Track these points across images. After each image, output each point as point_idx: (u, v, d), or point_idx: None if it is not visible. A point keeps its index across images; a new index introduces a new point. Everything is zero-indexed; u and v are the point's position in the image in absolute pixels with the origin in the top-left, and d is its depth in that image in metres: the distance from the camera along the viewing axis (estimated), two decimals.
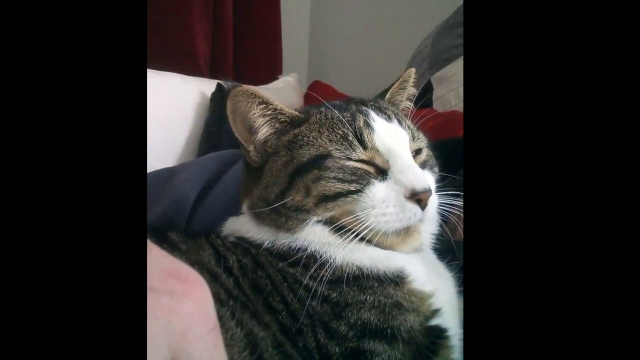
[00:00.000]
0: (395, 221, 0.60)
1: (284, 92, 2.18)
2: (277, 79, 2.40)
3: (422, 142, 0.71)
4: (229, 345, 0.49)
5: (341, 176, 0.61)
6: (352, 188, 0.61)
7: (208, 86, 1.93)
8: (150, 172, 0.99)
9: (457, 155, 0.58)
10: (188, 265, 0.40)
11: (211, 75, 2.18)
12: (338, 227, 0.62)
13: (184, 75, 1.94)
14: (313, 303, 0.57)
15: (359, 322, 0.56)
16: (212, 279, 0.57)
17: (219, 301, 0.53)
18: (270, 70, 2.48)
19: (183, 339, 0.36)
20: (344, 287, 0.58)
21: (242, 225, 0.68)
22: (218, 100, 1.84)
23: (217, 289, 0.55)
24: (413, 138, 0.68)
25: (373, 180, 0.61)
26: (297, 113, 0.68)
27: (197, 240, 0.66)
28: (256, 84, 1.94)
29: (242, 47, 2.38)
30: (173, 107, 1.84)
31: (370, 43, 2.64)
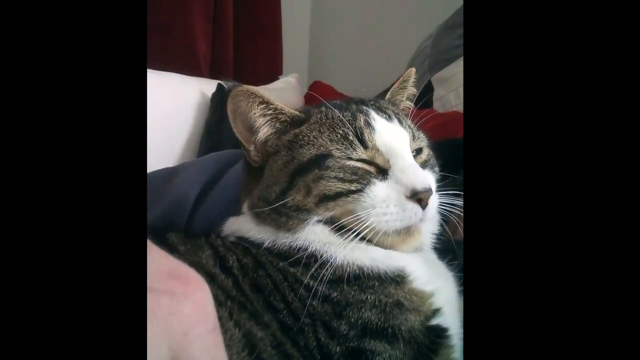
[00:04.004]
0: (396, 221, 0.60)
1: (284, 92, 2.18)
2: (278, 79, 2.40)
3: (423, 141, 0.71)
4: (228, 346, 0.49)
5: (342, 176, 0.61)
6: (352, 188, 0.61)
7: (208, 86, 1.93)
8: (150, 172, 0.99)
9: (457, 155, 0.58)
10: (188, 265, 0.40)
11: (211, 75, 2.18)
12: (339, 227, 0.62)
13: (184, 75, 1.93)
14: (314, 302, 0.57)
15: (359, 322, 0.56)
16: (210, 280, 0.57)
17: (217, 302, 0.53)
18: (271, 71, 2.48)
19: (183, 339, 0.36)
20: (345, 286, 0.58)
21: (242, 225, 0.68)
22: (218, 100, 1.84)
23: (215, 290, 0.55)
24: (413, 137, 0.68)
25: (374, 179, 0.61)
26: (297, 113, 0.68)
27: (196, 241, 0.66)
28: (256, 84, 1.93)
29: (242, 47, 2.38)
30: (173, 107, 1.84)
31: (370, 43, 2.64)
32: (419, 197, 0.60)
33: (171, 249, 0.63)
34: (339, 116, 0.66)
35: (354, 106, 0.69)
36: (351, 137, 0.63)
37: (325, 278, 0.57)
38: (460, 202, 0.63)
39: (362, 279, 0.59)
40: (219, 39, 2.26)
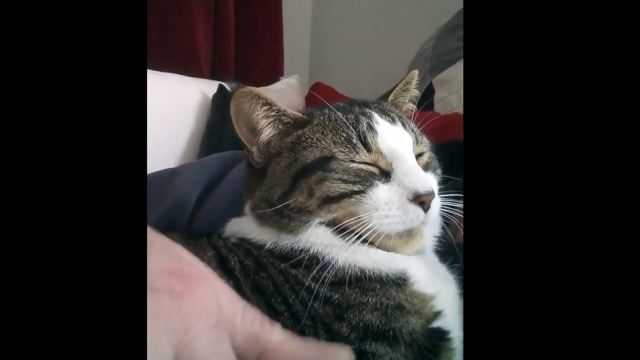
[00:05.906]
0: (398, 223, 0.60)
1: (285, 93, 2.18)
2: (279, 80, 2.40)
3: (426, 145, 0.71)
4: None
5: (345, 177, 0.61)
6: (355, 189, 0.61)
7: (209, 87, 1.94)
8: (151, 173, 0.99)
9: (459, 157, 0.58)
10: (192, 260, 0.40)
11: (212, 76, 2.19)
12: (341, 229, 0.61)
13: (185, 76, 1.94)
14: (315, 304, 0.57)
15: (360, 324, 0.56)
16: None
17: None
18: (272, 72, 2.48)
19: (185, 336, 0.36)
20: (346, 288, 0.58)
21: (244, 226, 0.68)
22: (220, 101, 1.84)
23: None
24: (416, 141, 0.68)
25: (376, 182, 0.61)
26: (300, 114, 0.68)
27: (198, 241, 0.66)
28: (257, 85, 1.93)
29: (243, 48, 2.38)
30: (174, 108, 1.85)
31: (371, 45, 2.64)
32: (421, 200, 0.60)
33: None
34: (342, 119, 0.66)
35: (357, 108, 0.69)
36: (354, 140, 0.63)
37: (326, 280, 0.57)
38: (462, 205, 0.63)
39: (363, 282, 0.59)
40: (220, 40, 2.26)
